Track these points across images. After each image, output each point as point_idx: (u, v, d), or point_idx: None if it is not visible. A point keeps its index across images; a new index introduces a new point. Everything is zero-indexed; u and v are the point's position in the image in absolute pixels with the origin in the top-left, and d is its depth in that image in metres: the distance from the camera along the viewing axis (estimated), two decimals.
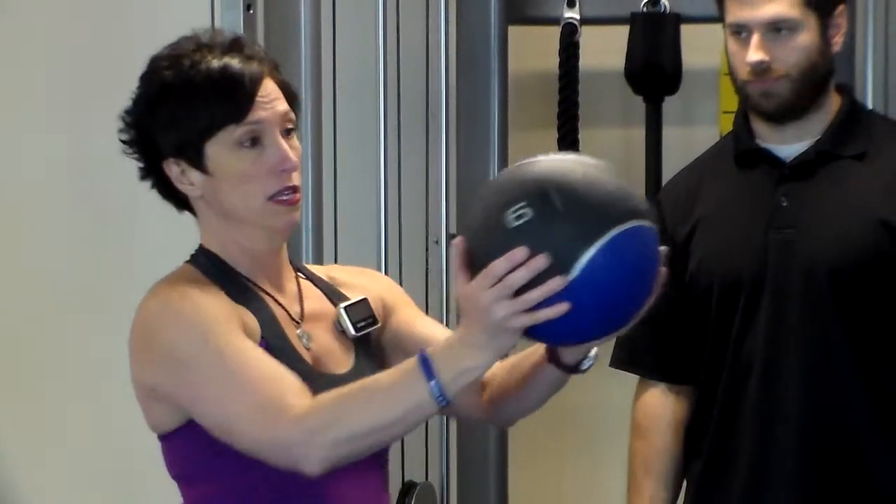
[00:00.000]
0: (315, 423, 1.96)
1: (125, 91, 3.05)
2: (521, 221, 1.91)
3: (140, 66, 2.33)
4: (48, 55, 3.55)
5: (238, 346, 2.04)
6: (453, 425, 2.90)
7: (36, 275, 3.58)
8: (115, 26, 3.48)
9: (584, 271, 1.88)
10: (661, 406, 2.74)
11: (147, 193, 2.33)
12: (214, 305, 2.08)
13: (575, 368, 2.10)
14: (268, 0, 2.81)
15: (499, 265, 1.88)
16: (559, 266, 1.88)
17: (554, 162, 1.99)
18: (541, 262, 1.87)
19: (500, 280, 1.89)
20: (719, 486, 2.67)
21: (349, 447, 1.97)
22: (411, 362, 1.97)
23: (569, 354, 2.07)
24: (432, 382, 1.93)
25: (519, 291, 1.88)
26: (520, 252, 1.87)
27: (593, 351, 2.09)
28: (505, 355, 2.03)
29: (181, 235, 2.34)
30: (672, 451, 2.73)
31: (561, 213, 1.91)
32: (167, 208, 2.25)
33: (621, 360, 2.79)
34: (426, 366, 1.94)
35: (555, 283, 1.86)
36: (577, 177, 1.94)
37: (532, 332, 1.93)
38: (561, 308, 1.87)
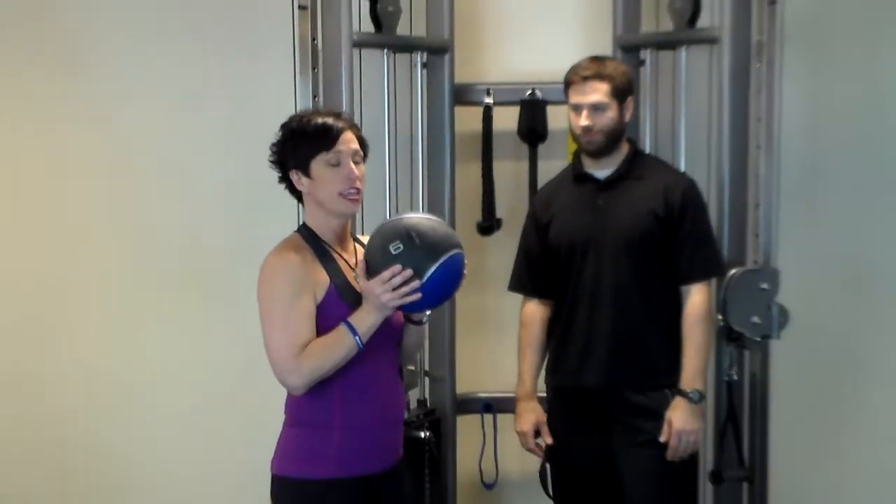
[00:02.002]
0: (305, 371, 2.47)
1: (240, 144, 3.93)
2: (397, 251, 2.40)
3: (249, 132, 3.15)
4: (215, 119, 4.15)
5: (293, 311, 2.45)
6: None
7: (198, 240, 4.20)
8: (236, 107, 4.18)
9: (429, 278, 2.43)
10: (535, 311, 3.44)
11: (266, 196, 2.85)
12: (299, 272, 2.47)
13: (419, 322, 2.67)
14: (325, 95, 3.41)
15: (386, 274, 2.43)
16: (417, 275, 2.42)
17: (414, 218, 2.47)
18: (408, 273, 2.42)
19: (387, 282, 2.44)
20: (565, 355, 3.38)
21: (318, 378, 2.50)
22: (342, 328, 2.46)
23: (415, 316, 2.66)
24: (357, 337, 2.49)
25: (396, 287, 2.43)
26: (397, 268, 2.42)
27: (427, 312, 2.65)
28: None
29: (285, 221, 3.00)
30: (541, 335, 3.43)
31: (418, 246, 2.40)
32: (278, 209, 2.90)
33: (514, 286, 3.49)
34: (351, 328, 2.48)
35: (415, 284, 2.43)
36: (425, 227, 2.45)
37: (399, 308, 2.50)
38: (417, 296, 2.45)
